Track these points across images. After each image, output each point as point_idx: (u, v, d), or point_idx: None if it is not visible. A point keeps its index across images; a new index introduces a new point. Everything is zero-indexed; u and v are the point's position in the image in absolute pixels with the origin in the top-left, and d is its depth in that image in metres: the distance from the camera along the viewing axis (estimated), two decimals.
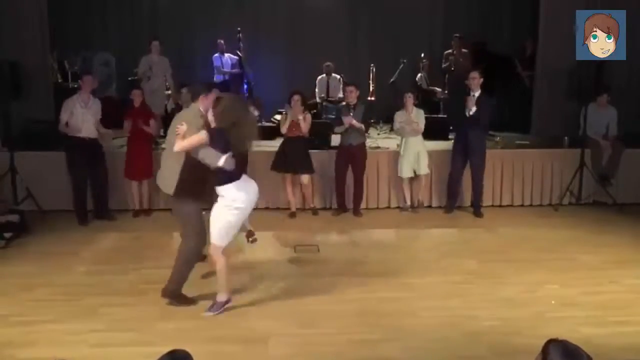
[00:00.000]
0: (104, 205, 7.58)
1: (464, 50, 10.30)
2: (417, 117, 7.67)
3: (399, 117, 7.76)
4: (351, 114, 7.50)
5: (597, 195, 8.15)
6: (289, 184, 7.66)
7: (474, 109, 7.44)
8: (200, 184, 4.75)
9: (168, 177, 4.90)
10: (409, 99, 7.72)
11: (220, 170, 4.48)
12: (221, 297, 4.84)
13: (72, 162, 7.36)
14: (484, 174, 7.82)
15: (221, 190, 4.61)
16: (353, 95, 7.61)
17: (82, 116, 7.19)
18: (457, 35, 10.39)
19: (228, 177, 4.56)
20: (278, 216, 7.68)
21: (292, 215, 7.72)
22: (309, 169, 7.62)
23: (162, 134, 8.64)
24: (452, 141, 7.95)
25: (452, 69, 10.22)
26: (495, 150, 8.34)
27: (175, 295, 4.98)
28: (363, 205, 7.93)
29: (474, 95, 7.51)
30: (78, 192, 7.37)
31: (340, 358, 4.21)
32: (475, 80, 7.55)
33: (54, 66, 9.67)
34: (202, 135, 4.48)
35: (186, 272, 5.02)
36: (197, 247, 5.04)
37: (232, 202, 4.60)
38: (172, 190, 4.86)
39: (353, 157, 7.62)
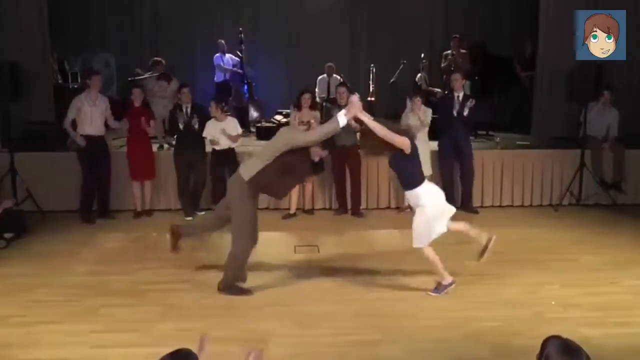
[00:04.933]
0: (105, 204, 7.59)
1: (462, 50, 10.32)
2: (425, 115, 7.63)
3: (408, 118, 7.62)
4: None
5: (597, 196, 8.15)
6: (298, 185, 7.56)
7: (466, 110, 7.50)
8: (275, 182, 5.09)
9: (250, 166, 5.10)
10: (418, 101, 7.60)
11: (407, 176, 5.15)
12: (445, 281, 5.24)
13: (81, 159, 7.38)
14: (484, 174, 7.83)
15: (411, 193, 5.15)
16: (344, 97, 7.48)
17: (90, 115, 7.25)
18: (456, 35, 10.42)
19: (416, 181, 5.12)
20: (278, 216, 7.67)
21: (291, 216, 7.73)
22: (322, 168, 7.58)
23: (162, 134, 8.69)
24: (438, 143, 7.90)
25: (452, 69, 10.22)
26: (496, 151, 8.35)
27: (229, 287, 5.22)
28: (363, 205, 7.93)
29: (458, 97, 7.61)
30: (85, 190, 7.39)
31: (340, 359, 4.21)
32: (458, 82, 7.71)
33: (54, 67, 9.67)
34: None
35: (240, 272, 5.23)
36: (248, 250, 5.22)
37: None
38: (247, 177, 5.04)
39: (348, 158, 7.58)
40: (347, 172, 7.75)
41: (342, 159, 7.62)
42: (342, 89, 7.67)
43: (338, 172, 7.71)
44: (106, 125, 7.53)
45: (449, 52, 10.45)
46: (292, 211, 7.75)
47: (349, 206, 7.83)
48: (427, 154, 7.74)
